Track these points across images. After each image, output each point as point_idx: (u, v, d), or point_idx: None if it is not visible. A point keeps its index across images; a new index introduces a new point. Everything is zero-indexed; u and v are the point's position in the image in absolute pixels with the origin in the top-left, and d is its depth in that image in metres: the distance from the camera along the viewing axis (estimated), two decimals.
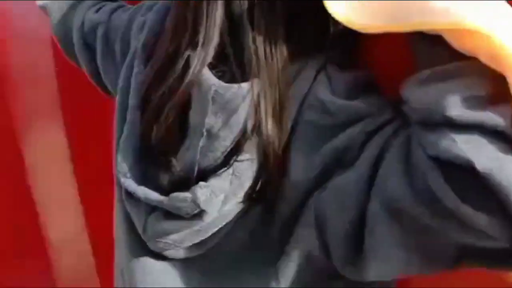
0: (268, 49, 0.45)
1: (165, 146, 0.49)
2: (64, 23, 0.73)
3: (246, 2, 0.46)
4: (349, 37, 0.44)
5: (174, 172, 0.49)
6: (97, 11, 0.69)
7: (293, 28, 0.46)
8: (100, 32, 0.66)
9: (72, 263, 1.12)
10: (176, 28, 0.50)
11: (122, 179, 0.52)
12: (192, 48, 0.47)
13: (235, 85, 0.45)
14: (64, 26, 0.73)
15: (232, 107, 0.45)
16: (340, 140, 0.42)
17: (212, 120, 0.46)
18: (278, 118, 0.45)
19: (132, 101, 0.53)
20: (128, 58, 0.57)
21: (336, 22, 0.39)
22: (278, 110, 0.45)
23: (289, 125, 0.45)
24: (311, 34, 0.47)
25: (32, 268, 1.15)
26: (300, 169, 0.44)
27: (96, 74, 0.69)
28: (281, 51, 0.45)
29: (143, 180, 0.51)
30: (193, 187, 0.47)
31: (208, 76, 0.46)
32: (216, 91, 0.46)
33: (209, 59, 0.47)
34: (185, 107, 0.48)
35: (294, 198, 0.45)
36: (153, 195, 0.49)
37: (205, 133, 0.46)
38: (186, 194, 0.47)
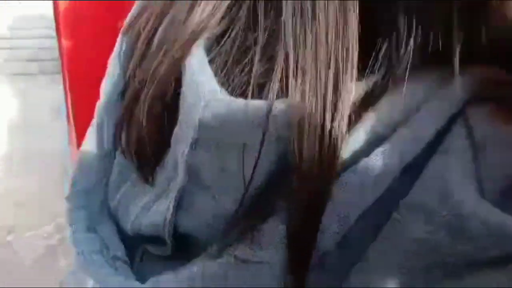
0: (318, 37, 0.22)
1: (142, 163, 0.28)
2: None
3: None
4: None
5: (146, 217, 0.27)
6: None
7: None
8: None
9: None
10: None
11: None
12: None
13: (241, 101, 0.23)
14: None
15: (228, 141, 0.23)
16: None
17: (193, 156, 0.24)
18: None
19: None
20: None
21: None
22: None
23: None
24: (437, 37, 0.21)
25: None
26: None
27: None
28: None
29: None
30: None
31: (199, 67, 0.25)
32: (209, 101, 0.23)
33: (210, 29, 0.26)
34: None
35: None
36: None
37: (183, 173, 0.25)
38: None
